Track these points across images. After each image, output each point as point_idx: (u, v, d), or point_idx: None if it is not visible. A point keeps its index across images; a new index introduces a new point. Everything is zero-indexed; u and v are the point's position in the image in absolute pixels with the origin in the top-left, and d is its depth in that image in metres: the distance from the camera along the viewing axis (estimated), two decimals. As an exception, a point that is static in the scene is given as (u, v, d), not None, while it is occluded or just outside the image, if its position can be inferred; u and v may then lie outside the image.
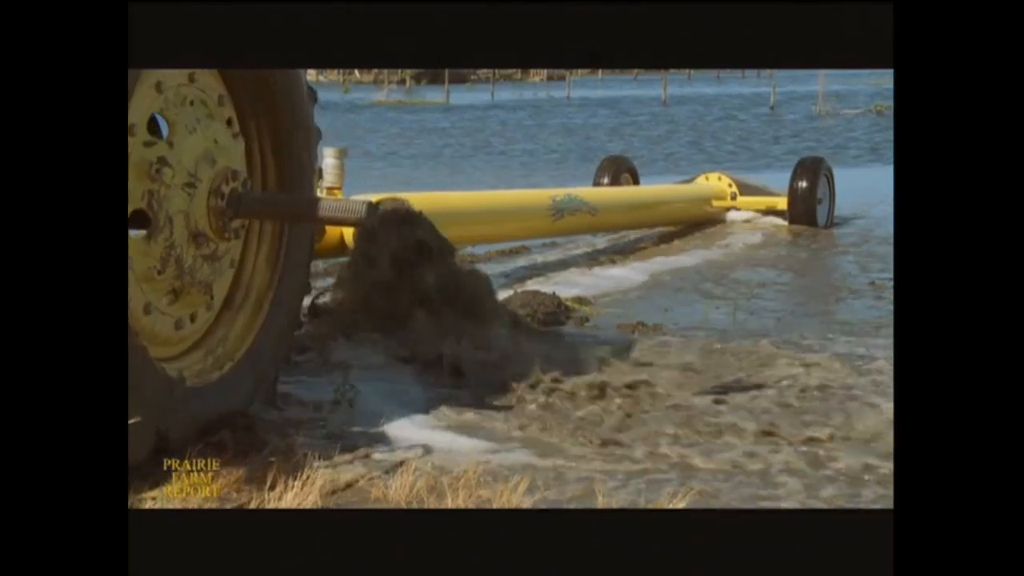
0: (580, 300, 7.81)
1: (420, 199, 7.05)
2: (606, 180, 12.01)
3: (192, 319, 4.42)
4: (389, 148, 23.81)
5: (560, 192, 9.56)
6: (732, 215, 11.93)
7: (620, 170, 12.27)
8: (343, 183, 6.98)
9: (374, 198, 6.49)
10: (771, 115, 32.53)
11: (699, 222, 11.70)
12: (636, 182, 12.48)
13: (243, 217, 4.49)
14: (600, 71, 60.89)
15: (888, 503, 3.80)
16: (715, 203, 11.87)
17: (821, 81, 35.20)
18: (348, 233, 6.54)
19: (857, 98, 36.21)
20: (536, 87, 53.40)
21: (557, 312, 7.30)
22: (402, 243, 6.30)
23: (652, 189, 12.34)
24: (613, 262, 9.77)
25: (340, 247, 6.72)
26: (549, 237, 10.37)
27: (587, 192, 10.24)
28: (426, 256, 6.28)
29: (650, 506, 3.92)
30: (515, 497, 3.90)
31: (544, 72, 59.73)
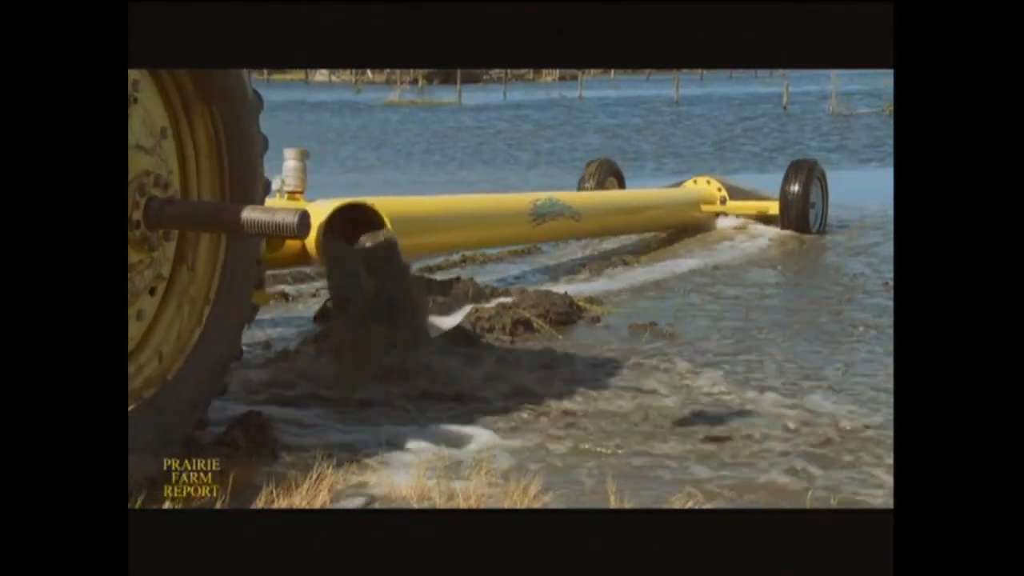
0: (592, 300, 7.81)
1: (388, 203, 6.63)
2: (591, 184, 11.62)
3: (151, 293, 4.18)
4: (424, 148, 23.78)
5: (542, 196, 9.16)
6: (721, 221, 11.55)
7: (605, 174, 11.86)
8: (305, 187, 6.46)
9: (338, 203, 6.17)
10: (786, 114, 32.56)
11: (687, 227, 11.37)
12: (622, 186, 12.11)
13: (162, 229, 4.10)
14: (612, 71, 60.96)
15: (888, 503, 3.81)
16: (704, 208, 11.49)
17: (834, 80, 35.14)
18: (310, 239, 5.97)
19: (876, 97, 36.14)
20: (548, 87, 53.44)
21: (569, 312, 7.31)
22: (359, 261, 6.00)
23: (638, 193, 11.96)
24: (626, 263, 9.76)
25: (303, 255, 6.18)
26: (529, 243, 10.04)
27: (570, 196, 9.80)
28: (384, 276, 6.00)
29: (654, 507, 3.93)
30: (526, 498, 3.91)
31: (556, 72, 59.82)
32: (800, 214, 11.14)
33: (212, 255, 4.45)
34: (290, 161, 6.41)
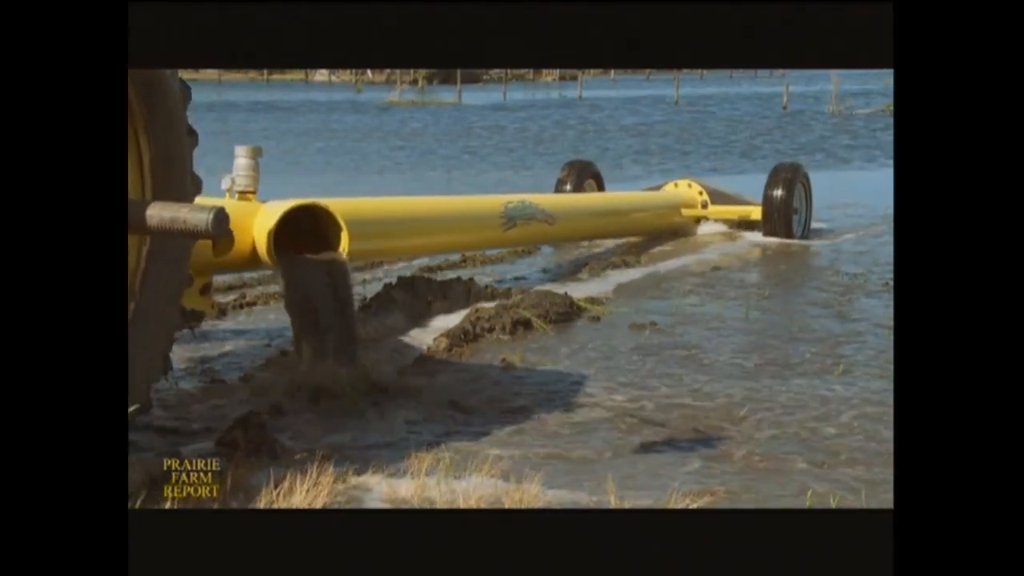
0: (592, 300, 7.82)
1: (345, 205, 6.33)
2: (568, 187, 11.29)
3: None
4: (457, 148, 23.71)
5: (513, 199, 8.76)
6: (704, 227, 11.33)
7: (584, 176, 11.52)
8: (258, 187, 6.07)
9: (292, 203, 5.88)
10: (784, 114, 32.64)
11: (667, 233, 11.16)
12: (601, 189, 11.74)
13: None
14: (612, 71, 61.05)
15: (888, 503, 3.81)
16: (684, 212, 11.26)
17: (835, 80, 35.15)
18: (261, 243, 5.76)
19: (877, 97, 36.20)
20: (548, 87, 53.48)
21: (569, 312, 7.32)
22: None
23: (616, 196, 11.64)
24: (627, 263, 9.75)
25: (252, 258, 5.90)
26: (499, 248, 9.77)
27: (544, 199, 9.37)
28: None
29: (655, 506, 3.93)
30: (527, 497, 3.91)
31: (556, 72, 59.91)
32: (783, 219, 10.88)
33: (136, 168, 4.04)
34: (241, 159, 6.04)
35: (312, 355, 5.48)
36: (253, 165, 6.04)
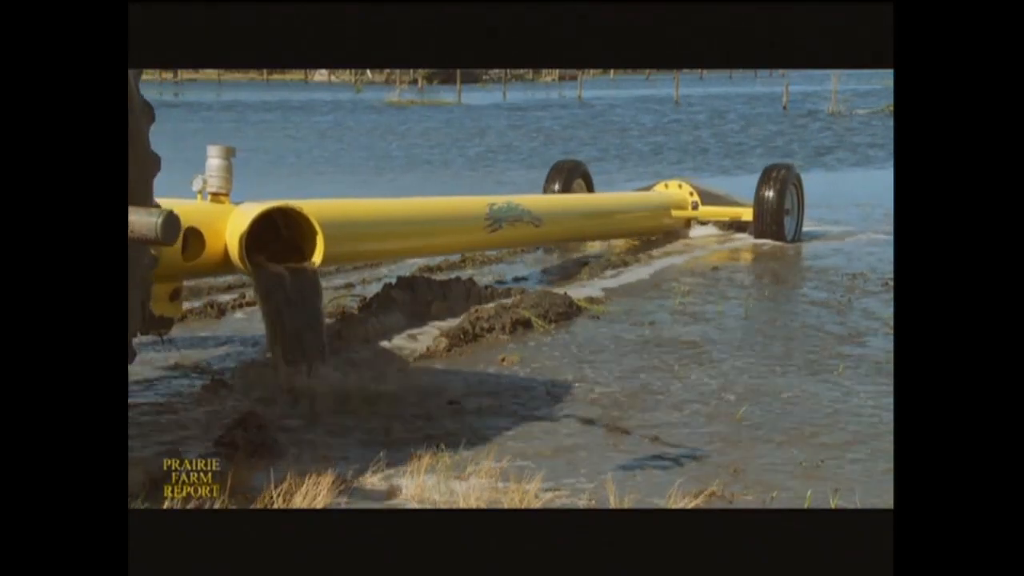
0: (592, 299, 7.82)
1: (322, 207, 6.20)
2: (557, 187, 11.10)
3: None
4: (479, 147, 23.69)
5: (499, 200, 8.54)
6: (696, 230, 11.21)
7: (573, 176, 11.33)
8: (231, 188, 5.87)
9: (265, 206, 5.74)
10: (784, 114, 32.64)
11: (657, 234, 11.03)
12: (590, 190, 11.52)
13: None
14: (612, 71, 61.11)
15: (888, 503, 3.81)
16: (675, 213, 11.12)
17: (835, 80, 35.16)
18: (233, 247, 5.61)
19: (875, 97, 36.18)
20: (548, 87, 53.52)
21: (568, 312, 7.33)
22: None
23: (604, 197, 11.51)
24: (626, 263, 9.75)
25: (225, 263, 5.75)
26: (484, 250, 9.63)
27: (530, 200, 9.12)
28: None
29: (655, 506, 3.93)
30: (527, 497, 3.91)
31: (555, 72, 60.00)
32: (774, 221, 10.74)
33: None
34: (214, 159, 5.85)
35: (282, 362, 5.45)
36: (226, 166, 5.86)
